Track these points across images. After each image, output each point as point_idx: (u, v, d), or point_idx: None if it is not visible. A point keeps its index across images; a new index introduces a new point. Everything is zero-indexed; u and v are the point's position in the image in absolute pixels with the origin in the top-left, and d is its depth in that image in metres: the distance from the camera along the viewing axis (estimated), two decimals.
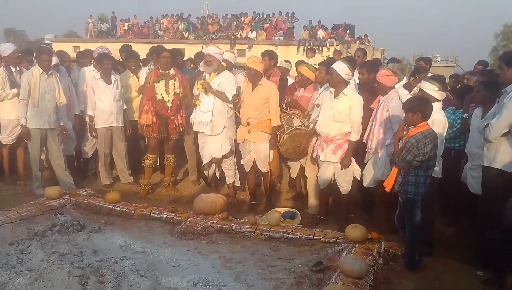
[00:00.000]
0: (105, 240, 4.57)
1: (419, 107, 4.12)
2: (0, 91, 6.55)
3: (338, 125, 5.21)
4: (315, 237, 4.60)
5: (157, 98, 6.36)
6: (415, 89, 5.84)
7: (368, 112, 5.33)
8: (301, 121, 5.87)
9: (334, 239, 4.50)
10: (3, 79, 6.56)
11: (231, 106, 6.12)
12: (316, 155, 5.44)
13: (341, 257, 3.97)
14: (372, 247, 4.26)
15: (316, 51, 18.35)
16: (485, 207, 4.41)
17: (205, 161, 6.29)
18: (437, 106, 4.47)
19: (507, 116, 4.10)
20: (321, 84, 5.83)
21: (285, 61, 7.98)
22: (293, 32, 32.03)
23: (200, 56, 7.67)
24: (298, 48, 29.59)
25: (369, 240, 4.36)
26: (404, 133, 4.20)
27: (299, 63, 6.96)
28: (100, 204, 5.42)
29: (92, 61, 7.15)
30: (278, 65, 7.97)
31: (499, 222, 4.33)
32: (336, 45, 27.93)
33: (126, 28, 35.72)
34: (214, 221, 4.95)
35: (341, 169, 5.28)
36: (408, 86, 6.09)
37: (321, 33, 29.94)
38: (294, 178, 6.45)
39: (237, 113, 6.16)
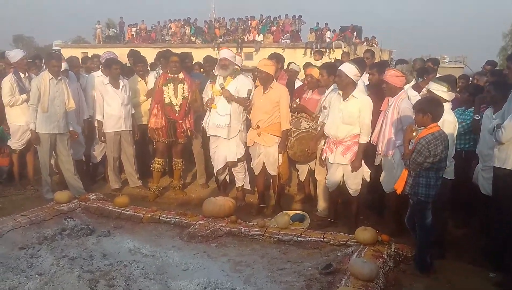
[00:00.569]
0: (114, 244, 4.58)
1: (429, 108, 4.09)
2: (9, 97, 6.60)
3: (347, 127, 5.18)
4: (324, 239, 4.57)
5: (166, 102, 6.37)
6: (424, 90, 5.81)
7: (376, 114, 5.30)
8: (308, 124, 5.85)
9: (344, 242, 4.47)
10: (12, 85, 6.61)
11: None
12: (325, 157, 5.41)
13: (351, 260, 3.94)
14: (383, 250, 4.22)
15: (324, 53, 18.35)
16: (497, 208, 4.36)
17: (219, 165, 6.24)
18: (446, 107, 4.43)
19: None
20: (324, 86, 5.82)
21: (294, 64, 7.98)
22: (300, 34, 32.04)
23: (209, 60, 7.68)
24: (305, 51, 29.58)
25: (379, 242, 4.33)
26: (414, 134, 4.16)
27: (307, 65, 6.95)
28: (109, 208, 5.44)
29: (100, 66, 7.18)
30: (289, 67, 7.98)
31: (511, 223, 4.27)
32: (344, 47, 27.88)
33: (133, 33, 35.95)
34: (223, 224, 4.94)
35: (352, 171, 5.25)
36: (416, 87, 6.05)
37: (328, 35, 29.90)
38: (302, 180, 6.43)
39: (248, 116, 6.13)
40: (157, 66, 7.41)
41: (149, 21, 37.51)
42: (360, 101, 5.15)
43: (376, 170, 5.45)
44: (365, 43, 30.52)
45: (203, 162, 7.12)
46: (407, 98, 5.09)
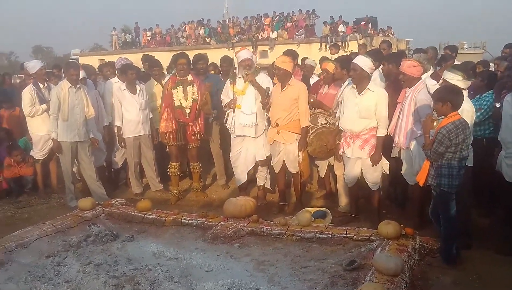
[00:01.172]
0: (138, 248, 4.63)
1: (449, 96, 4.01)
2: (30, 107, 6.73)
3: (364, 121, 5.13)
4: (347, 235, 4.53)
5: (175, 105, 6.36)
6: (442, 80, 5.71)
7: (393, 106, 5.23)
8: (326, 119, 5.80)
9: (367, 237, 4.42)
10: (32, 95, 6.74)
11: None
12: (342, 152, 5.37)
13: (375, 255, 3.90)
14: (407, 243, 4.16)
15: (340, 46, 18.17)
16: None
17: (249, 166, 6.22)
18: (464, 94, 4.34)
19: None
20: (340, 80, 5.76)
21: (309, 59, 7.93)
22: (314, 29, 31.83)
23: (226, 60, 7.68)
24: (320, 45, 29.38)
25: (403, 236, 4.27)
26: (434, 124, 4.08)
27: (323, 60, 6.88)
28: (132, 213, 5.50)
29: (116, 72, 7.25)
30: (304, 63, 7.94)
31: None
32: (359, 39, 27.59)
33: (149, 38, 36.28)
34: (245, 224, 4.94)
35: (372, 165, 5.19)
36: (435, 76, 5.94)
37: (342, 28, 29.62)
38: (323, 177, 6.38)
39: (267, 114, 6.10)
40: (173, 69, 7.44)
41: (164, 25, 37.82)
42: (376, 94, 5.09)
43: (395, 162, 5.37)
44: (381, 33, 30.15)
45: (222, 163, 7.13)
46: (425, 88, 5.00)
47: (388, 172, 5.34)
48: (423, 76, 5.33)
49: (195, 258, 4.34)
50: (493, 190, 5.22)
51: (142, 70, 7.98)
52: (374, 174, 5.27)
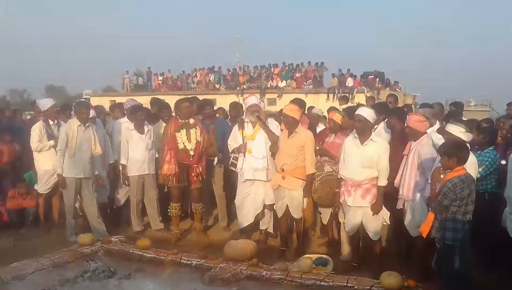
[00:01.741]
0: (135, 287, 4.58)
1: (454, 151, 4.05)
2: (37, 143, 6.87)
3: (367, 171, 5.21)
4: (348, 284, 4.44)
5: (179, 147, 6.42)
6: None
7: (398, 157, 5.27)
8: (331, 167, 5.83)
9: (369, 287, 4.33)
10: (41, 132, 6.91)
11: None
12: (343, 200, 5.37)
13: None
14: None
15: (348, 98, 18.42)
16: None
17: (258, 210, 6.21)
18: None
19: None
20: (348, 129, 5.84)
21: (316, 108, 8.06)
22: (323, 80, 32.40)
23: (235, 106, 7.82)
24: (328, 96, 29.81)
25: (405, 287, 4.19)
26: (441, 176, 4.10)
27: (331, 109, 6.99)
28: (131, 251, 5.44)
29: (125, 112, 7.37)
30: (310, 112, 8.06)
31: None
32: (367, 92, 28.00)
33: (160, 82, 37.03)
34: (244, 268, 4.86)
35: (372, 214, 5.20)
36: (441, 131, 6.01)
37: (350, 82, 30.15)
38: (325, 224, 6.33)
39: (273, 160, 6.13)
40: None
41: (175, 70, 38.66)
42: (379, 145, 5.21)
43: (400, 214, 5.34)
44: (388, 88, 30.62)
45: (225, 204, 7.11)
46: (430, 143, 5.07)
47: (388, 222, 5.34)
48: (429, 131, 5.41)
49: None
50: (497, 247, 5.14)
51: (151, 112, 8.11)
52: (374, 223, 5.28)
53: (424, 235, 4.27)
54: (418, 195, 5.00)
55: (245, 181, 6.23)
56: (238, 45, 41.37)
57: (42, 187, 7.04)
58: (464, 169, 4.04)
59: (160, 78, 37.49)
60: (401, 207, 5.29)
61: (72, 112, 7.91)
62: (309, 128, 6.75)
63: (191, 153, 6.45)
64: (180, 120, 6.51)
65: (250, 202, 6.22)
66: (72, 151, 6.31)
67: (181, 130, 6.45)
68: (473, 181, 4.07)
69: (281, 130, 6.21)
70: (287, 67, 33.92)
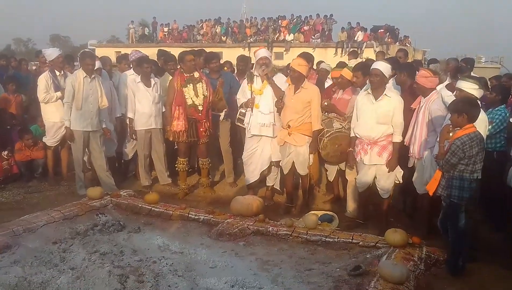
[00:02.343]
0: (144, 240, 4.65)
1: (465, 108, 3.98)
2: (45, 94, 6.78)
3: (382, 127, 5.13)
4: (353, 241, 4.52)
5: (188, 103, 6.35)
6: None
7: (408, 113, 5.20)
8: (341, 124, 5.77)
9: (373, 243, 4.41)
10: (47, 82, 6.79)
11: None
12: (360, 159, 5.33)
13: (380, 262, 3.89)
14: (413, 252, 4.15)
15: (358, 53, 18.10)
16: None
17: (264, 166, 6.19)
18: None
19: None
20: (359, 87, 5.74)
21: (325, 63, 7.91)
22: (331, 34, 31.74)
23: (243, 59, 7.67)
24: (336, 50, 29.31)
25: (410, 244, 4.26)
26: (450, 134, 4.05)
27: (341, 65, 6.86)
28: (140, 205, 5.52)
29: (130, 65, 7.26)
30: (319, 67, 7.92)
31: None
32: (376, 47, 27.48)
33: (165, 33, 36.43)
34: (251, 223, 4.94)
35: (388, 171, 5.19)
36: (450, 87, 5.90)
37: (360, 36, 29.52)
38: (331, 181, 6.36)
39: (279, 116, 6.09)
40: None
41: (181, 21, 37.94)
42: (393, 100, 5.11)
43: (410, 172, 5.34)
44: (397, 42, 29.98)
45: (231, 161, 7.13)
46: (439, 98, 4.97)
47: (401, 181, 5.32)
48: (439, 87, 5.31)
49: (200, 253, 4.34)
50: (502, 205, 5.17)
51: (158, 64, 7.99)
52: (387, 181, 5.27)
53: (431, 193, 4.27)
54: (428, 153, 4.94)
55: (252, 137, 6.19)
56: None
57: (50, 139, 7.04)
58: (474, 127, 3.99)
59: (166, 29, 36.83)
60: (412, 166, 5.27)
61: (77, 63, 7.87)
62: (317, 84, 6.65)
63: (200, 108, 6.40)
64: (185, 74, 6.42)
65: (257, 158, 6.22)
66: (79, 103, 6.26)
67: (188, 85, 6.36)
68: (483, 140, 4.04)
69: (288, 85, 6.12)
70: (295, 20, 33.20)
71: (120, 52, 22.84)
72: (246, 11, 38.89)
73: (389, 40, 29.84)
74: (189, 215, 5.26)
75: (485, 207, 5.26)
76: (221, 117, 6.89)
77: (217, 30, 34.79)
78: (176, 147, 6.83)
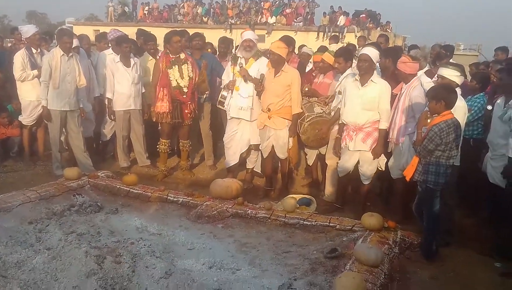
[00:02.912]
0: (122, 222, 4.63)
1: (443, 95, 4.04)
2: (21, 72, 6.61)
3: (368, 113, 5.12)
4: (330, 224, 4.59)
5: (173, 85, 6.29)
6: (436, 77, 5.73)
7: (391, 99, 5.24)
8: (322, 109, 5.79)
9: (350, 227, 4.49)
10: (24, 60, 6.62)
11: None
12: (344, 145, 5.34)
13: (356, 245, 3.96)
14: (388, 236, 4.24)
15: (339, 38, 18.07)
16: (508, 198, 4.31)
17: (243, 149, 6.18)
18: (457, 92, 4.37)
19: None
20: (340, 72, 5.76)
21: (307, 47, 7.89)
22: (314, 18, 31.64)
23: (224, 41, 7.59)
24: (318, 35, 29.26)
25: (385, 228, 4.35)
26: (428, 121, 4.11)
27: (322, 49, 6.86)
28: (118, 186, 5.49)
29: (109, 44, 7.13)
30: (301, 51, 7.90)
31: None
32: (357, 32, 27.52)
33: (146, 12, 35.78)
34: (230, 206, 4.96)
35: (373, 158, 5.22)
36: (429, 74, 5.97)
37: (342, 20, 29.51)
38: (310, 165, 6.40)
39: (259, 99, 6.08)
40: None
41: (161, 1, 37.23)
42: (380, 86, 5.09)
43: (387, 157, 5.41)
44: (379, 28, 30.09)
45: (211, 143, 7.11)
46: (420, 85, 5.01)
47: (383, 169, 5.32)
48: (419, 73, 5.35)
49: (178, 235, 4.36)
50: (477, 191, 5.31)
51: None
52: (370, 167, 5.30)
53: (408, 179, 4.34)
54: (406, 139, 4.99)
55: (232, 119, 6.18)
56: None
57: (26, 118, 6.88)
58: (451, 114, 4.06)
59: (146, 8, 36.14)
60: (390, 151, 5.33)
61: (54, 40, 7.68)
62: (299, 68, 6.65)
63: (185, 90, 6.34)
64: (171, 56, 6.34)
65: (237, 141, 6.21)
66: (56, 82, 6.12)
67: (173, 66, 6.28)
68: (459, 126, 4.11)
69: (268, 68, 6.10)
70: (277, 2, 32.92)
71: (99, 30, 22.39)
72: None
73: (371, 25, 29.92)
74: (168, 197, 5.25)
75: (460, 193, 5.38)
76: (202, 100, 6.84)
77: (198, 11, 34.31)
78: (159, 128, 6.77)
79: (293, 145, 5.94)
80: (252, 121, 6.05)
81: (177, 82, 6.30)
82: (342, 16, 29.92)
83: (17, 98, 6.96)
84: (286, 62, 5.86)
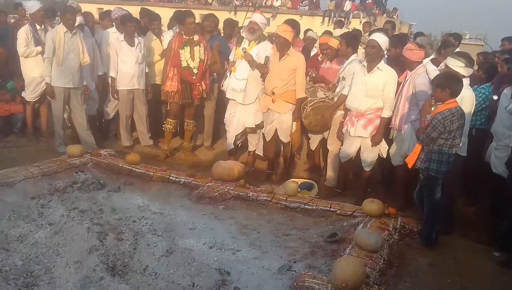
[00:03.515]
0: (124, 200, 4.65)
1: (448, 83, 4.01)
2: (24, 48, 6.59)
3: (370, 100, 5.07)
4: (331, 209, 4.61)
5: (183, 65, 6.29)
6: (442, 65, 5.69)
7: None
8: (325, 94, 5.78)
9: (351, 212, 4.50)
10: (28, 36, 6.60)
11: None
12: (346, 130, 5.33)
13: (356, 230, 3.98)
14: (388, 222, 4.26)
15: (343, 23, 17.91)
16: (510, 188, 4.32)
17: (238, 130, 6.18)
18: (465, 82, 4.35)
19: None
20: (343, 56, 5.72)
21: (312, 31, 7.84)
22: (320, 2, 31.30)
23: (230, 23, 7.54)
24: (323, 19, 28.93)
25: (385, 215, 4.37)
26: (432, 109, 4.10)
27: (326, 33, 6.80)
28: (120, 165, 5.49)
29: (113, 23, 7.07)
30: (306, 35, 7.84)
31: None
32: (363, 17, 27.26)
33: None
34: (232, 188, 4.98)
35: (372, 146, 5.19)
36: (435, 61, 5.94)
37: (348, 5, 29.20)
38: (313, 149, 6.41)
39: (263, 83, 6.05)
40: (174, 25, 7.29)
41: None
42: (385, 74, 5.03)
43: (389, 143, 5.40)
44: (385, 14, 29.78)
45: (212, 125, 7.11)
46: (425, 72, 4.98)
47: (385, 156, 5.31)
48: (424, 61, 5.32)
49: (180, 215, 4.38)
50: (479, 180, 5.31)
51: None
52: (371, 154, 5.28)
53: (410, 166, 4.33)
54: (408, 126, 4.99)
55: (230, 101, 6.20)
56: None
57: (29, 94, 6.87)
58: (456, 102, 4.04)
59: None
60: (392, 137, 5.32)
61: (57, 17, 7.62)
62: (304, 52, 6.61)
63: (195, 71, 6.33)
64: (184, 37, 6.30)
65: (235, 123, 6.22)
66: (59, 59, 6.10)
67: (185, 47, 6.27)
68: (463, 115, 4.08)
69: (273, 51, 6.06)
70: None
71: (102, 8, 22.17)
72: None
73: (377, 11, 29.60)
74: (170, 177, 5.26)
75: (462, 182, 5.39)
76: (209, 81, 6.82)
77: None
78: (168, 108, 6.78)
79: (296, 130, 5.94)
80: (247, 105, 6.03)
81: (187, 63, 6.29)
82: (348, 1, 29.58)
83: (19, 75, 6.95)
84: (291, 46, 5.81)
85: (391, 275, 3.64)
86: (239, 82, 5.95)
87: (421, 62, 5.10)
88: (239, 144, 6.47)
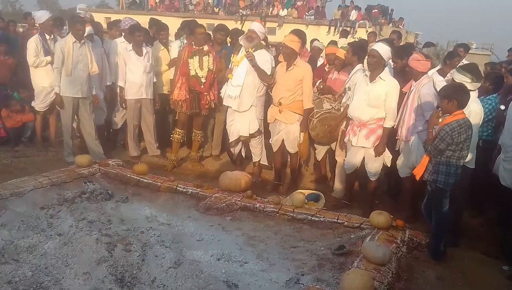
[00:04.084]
0: (132, 210, 4.68)
1: (455, 94, 4.01)
2: (34, 58, 6.64)
3: (373, 110, 5.09)
4: (338, 220, 4.59)
5: (191, 74, 6.33)
6: (449, 75, 5.69)
7: (400, 97, 5.22)
8: (331, 105, 5.79)
9: (358, 224, 4.48)
10: (37, 46, 6.65)
11: (265, 85, 5.99)
12: (348, 140, 5.35)
13: (364, 243, 3.96)
14: (396, 235, 4.23)
15: (349, 33, 17.93)
16: None
17: (232, 138, 6.24)
18: (473, 96, 4.34)
19: None
20: (349, 65, 5.74)
21: (318, 41, 7.87)
22: (325, 11, 31.42)
23: (237, 32, 7.60)
24: (329, 28, 29.03)
25: (393, 227, 4.34)
26: (439, 120, 4.10)
27: (332, 43, 6.83)
28: (128, 175, 5.52)
29: (122, 32, 7.13)
30: (312, 45, 7.88)
31: None
32: (369, 27, 27.31)
33: (157, 1, 35.66)
34: (239, 199, 4.98)
35: (375, 156, 5.20)
36: (441, 72, 5.94)
37: (354, 14, 29.28)
38: (319, 160, 6.41)
39: (270, 93, 6.07)
40: (181, 35, 7.35)
41: None
42: (388, 84, 5.04)
43: (395, 155, 5.40)
44: (391, 24, 29.82)
45: (221, 135, 7.13)
46: (430, 83, 4.97)
47: (389, 165, 5.32)
48: (430, 72, 5.31)
49: (187, 226, 4.39)
50: (487, 192, 5.29)
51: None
52: (375, 164, 5.28)
53: (418, 178, 4.32)
54: (415, 137, 4.98)
55: (228, 108, 6.23)
56: None
57: (39, 104, 6.92)
58: (463, 114, 4.02)
59: None
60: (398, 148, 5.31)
61: (65, 27, 7.71)
62: (310, 62, 6.63)
63: (203, 80, 6.38)
64: (194, 47, 6.37)
65: (233, 131, 6.24)
66: (68, 69, 6.16)
67: (194, 57, 6.33)
68: (471, 126, 4.06)
69: (279, 61, 6.08)
70: None
71: (110, 18, 22.39)
72: None
73: (383, 20, 29.64)
74: (178, 188, 5.28)
75: (469, 194, 5.37)
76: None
77: (209, 1, 34.15)
78: (176, 118, 6.82)
79: (304, 140, 5.94)
80: (242, 112, 6.03)
81: (196, 72, 6.35)
82: (354, 10, 29.66)
83: (28, 84, 7.01)
84: (298, 56, 5.84)
85: (399, 289, 3.62)
86: (234, 88, 5.98)
87: (427, 72, 5.10)
88: (243, 154, 6.49)
